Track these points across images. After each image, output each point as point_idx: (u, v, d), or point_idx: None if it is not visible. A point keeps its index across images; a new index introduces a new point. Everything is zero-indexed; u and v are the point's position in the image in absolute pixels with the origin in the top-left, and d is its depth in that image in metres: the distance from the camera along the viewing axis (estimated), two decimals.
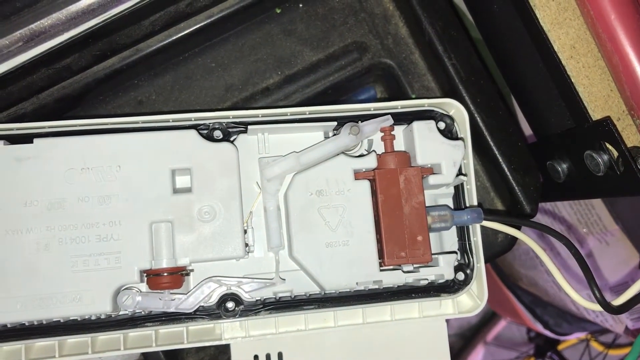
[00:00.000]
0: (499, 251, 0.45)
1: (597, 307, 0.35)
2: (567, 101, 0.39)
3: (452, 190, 0.40)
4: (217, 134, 0.38)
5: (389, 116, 0.38)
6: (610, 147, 0.37)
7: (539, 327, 0.84)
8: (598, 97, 0.38)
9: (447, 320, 0.41)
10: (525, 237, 0.39)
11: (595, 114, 0.38)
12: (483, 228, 0.39)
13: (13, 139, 0.36)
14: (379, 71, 0.47)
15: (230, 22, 0.43)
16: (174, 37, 0.41)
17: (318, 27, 0.46)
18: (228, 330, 0.39)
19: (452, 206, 0.40)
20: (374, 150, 0.39)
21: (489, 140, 0.44)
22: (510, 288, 0.82)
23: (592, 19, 0.36)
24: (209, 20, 0.42)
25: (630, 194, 0.37)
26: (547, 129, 0.44)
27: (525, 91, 0.46)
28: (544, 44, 0.39)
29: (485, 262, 0.43)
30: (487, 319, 1.03)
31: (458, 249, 0.40)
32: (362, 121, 0.38)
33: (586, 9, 0.37)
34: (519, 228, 0.41)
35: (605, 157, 0.37)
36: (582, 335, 0.91)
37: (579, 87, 0.38)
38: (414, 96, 0.46)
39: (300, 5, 0.46)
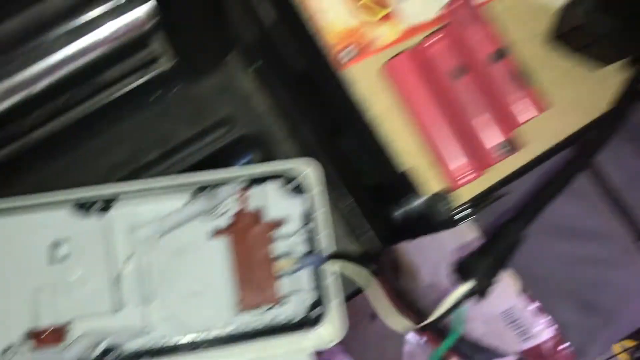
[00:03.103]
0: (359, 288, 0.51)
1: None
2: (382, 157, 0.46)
3: (305, 237, 0.47)
4: (92, 206, 0.44)
5: (244, 179, 0.45)
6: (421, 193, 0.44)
7: None
8: (407, 152, 0.45)
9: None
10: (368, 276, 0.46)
11: (406, 166, 0.45)
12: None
13: None
14: (249, 141, 0.54)
15: (109, 110, 0.50)
16: (57, 129, 0.48)
17: (191, 108, 0.53)
18: None
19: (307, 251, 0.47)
20: (229, 210, 0.45)
21: (340, 192, 0.51)
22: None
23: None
24: (87, 112, 0.49)
25: (443, 230, 0.44)
26: (375, 181, 0.51)
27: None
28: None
29: (351, 297, 0.49)
30: None
31: (314, 288, 0.46)
32: (219, 186, 0.45)
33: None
34: (367, 267, 0.47)
35: (417, 202, 0.44)
36: None
37: (392, 143, 0.45)
38: (277, 159, 0.53)
39: (174, 89, 0.53)
